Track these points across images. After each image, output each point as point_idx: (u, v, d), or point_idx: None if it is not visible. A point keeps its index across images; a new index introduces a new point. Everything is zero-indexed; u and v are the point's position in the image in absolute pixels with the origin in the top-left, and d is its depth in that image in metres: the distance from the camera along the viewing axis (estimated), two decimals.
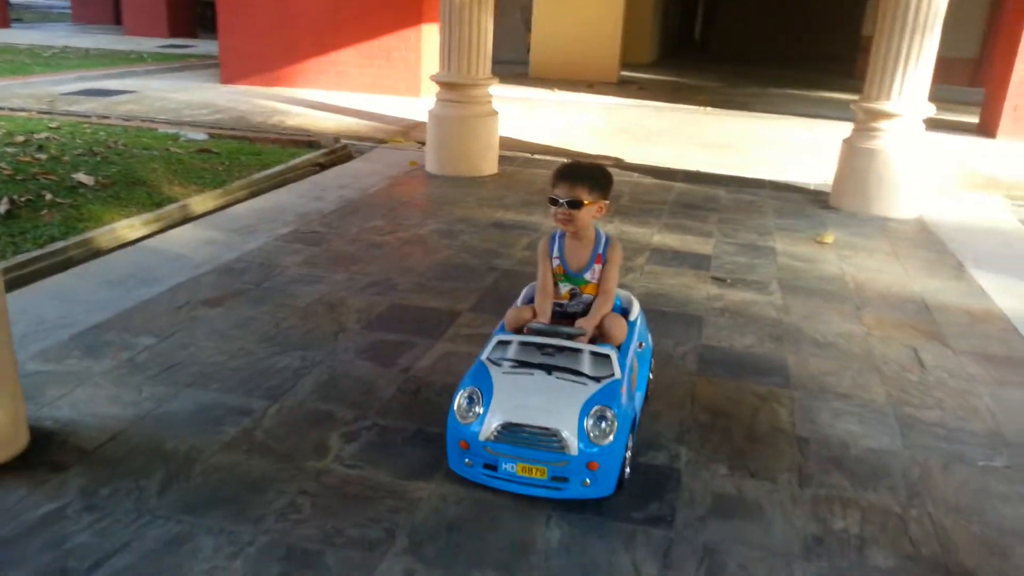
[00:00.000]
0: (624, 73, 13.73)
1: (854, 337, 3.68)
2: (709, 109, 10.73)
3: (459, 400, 2.36)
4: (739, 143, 8.55)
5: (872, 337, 3.69)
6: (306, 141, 7.67)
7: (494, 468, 2.31)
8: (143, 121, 8.23)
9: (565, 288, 2.71)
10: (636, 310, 2.81)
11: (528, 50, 13.79)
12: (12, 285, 3.76)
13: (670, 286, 4.20)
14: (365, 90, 10.37)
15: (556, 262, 2.69)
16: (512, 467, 2.28)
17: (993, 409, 3.07)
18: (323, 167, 6.88)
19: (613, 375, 2.37)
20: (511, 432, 2.27)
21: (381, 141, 7.79)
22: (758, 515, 2.36)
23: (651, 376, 2.93)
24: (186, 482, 2.39)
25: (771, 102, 11.84)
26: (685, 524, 2.30)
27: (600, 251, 2.68)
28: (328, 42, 10.24)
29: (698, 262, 4.62)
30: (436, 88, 6.52)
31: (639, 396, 2.64)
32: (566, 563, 2.12)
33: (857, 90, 6.40)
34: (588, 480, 2.25)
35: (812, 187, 6.58)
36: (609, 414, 2.27)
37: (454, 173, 6.41)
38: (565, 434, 2.23)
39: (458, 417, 2.34)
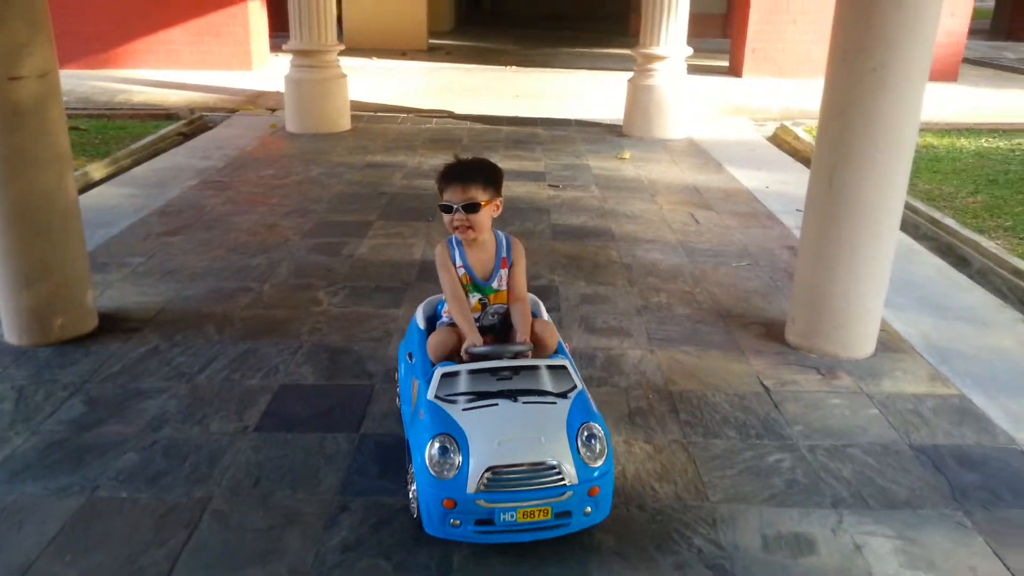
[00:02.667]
0: (432, 41, 14.92)
1: (651, 211, 5.25)
2: (515, 68, 12.23)
3: (429, 453, 2.00)
4: (544, 93, 10.09)
5: (663, 210, 5.28)
6: (164, 114, 8.28)
7: (489, 522, 1.97)
8: None
9: (474, 299, 2.42)
10: (543, 309, 2.60)
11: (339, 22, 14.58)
12: None
13: (520, 193, 5.58)
14: (197, 67, 10.87)
15: (462, 271, 2.41)
16: (511, 516, 1.96)
17: (742, 239, 4.72)
18: (187, 136, 7.60)
19: (575, 386, 2.17)
20: (503, 476, 1.96)
21: (232, 110, 8.55)
22: (609, 300, 3.80)
23: None
24: (232, 326, 3.45)
25: (563, 59, 13.55)
26: (567, 309, 3.68)
27: (504, 254, 2.44)
28: (157, 21, 10.63)
29: (535, 177, 6.04)
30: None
31: None
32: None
33: (630, 45, 8.06)
34: (589, 508, 2.04)
35: (607, 122, 8.21)
36: (596, 430, 2.07)
37: (315, 131, 7.40)
38: (563, 464, 1.99)
39: (433, 473, 1.98)
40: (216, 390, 2.91)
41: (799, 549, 2.16)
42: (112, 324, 3.44)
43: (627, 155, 6.80)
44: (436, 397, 2.11)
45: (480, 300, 2.44)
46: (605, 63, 13.00)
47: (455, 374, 2.14)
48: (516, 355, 2.22)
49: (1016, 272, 4.31)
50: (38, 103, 3.05)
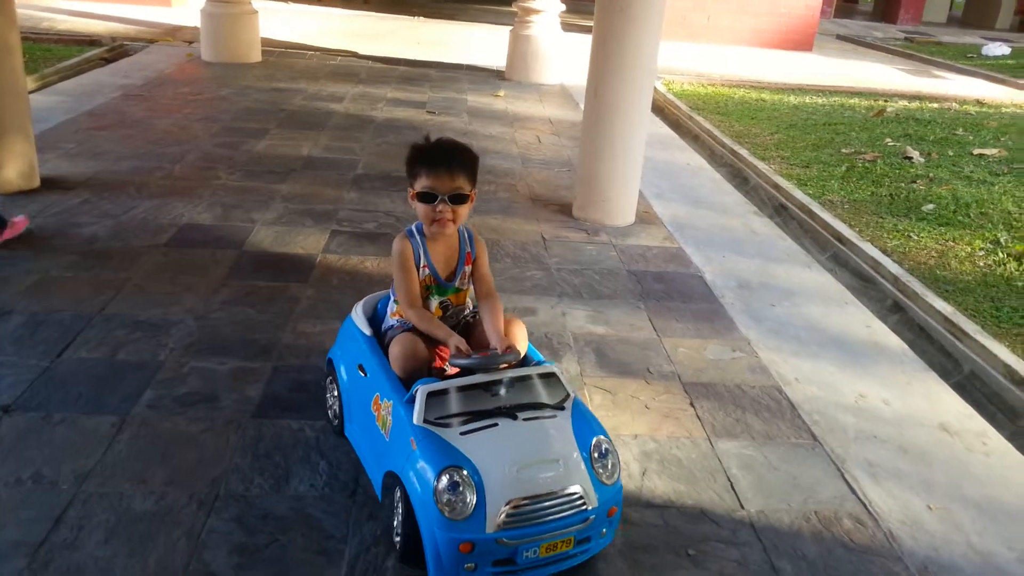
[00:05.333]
0: None
1: (507, 133, 6.39)
2: (422, 18, 13.16)
3: (438, 491, 1.72)
4: (445, 42, 11.09)
5: (516, 133, 6.43)
6: (87, 41, 8.97)
7: (510, 561, 1.75)
8: None
9: (436, 302, 2.19)
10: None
11: None
12: None
13: (401, 116, 6.65)
14: (118, 1, 11.44)
15: (425, 271, 2.16)
16: (534, 552, 1.75)
17: (570, 155, 5.90)
18: (108, 61, 8.35)
19: (568, 395, 1.97)
20: (524, 509, 1.73)
21: (152, 40, 9.29)
22: None
23: None
24: (149, 189, 4.43)
25: (469, 14, 14.53)
26: None
27: (468, 248, 2.22)
28: None
29: (418, 105, 7.10)
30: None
31: None
32: None
33: None
34: (604, 529, 1.87)
35: (494, 68, 9.29)
36: (607, 444, 1.88)
37: (228, 60, 8.26)
38: (584, 488, 1.79)
39: (445, 514, 1.71)
40: (135, 225, 3.92)
41: (528, 313, 3.35)
42: (52, 185, 4.38)
43: (502, 94, 7.91)
44: (426, 421, 1.82)
45: (441, 303, 2.19)
46: (505, 19, 14.02)
47: (442, 392, 1.85)
48: (501, 365, 1.93)
49: (774, 185, 5.63)
50: None
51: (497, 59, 9.63)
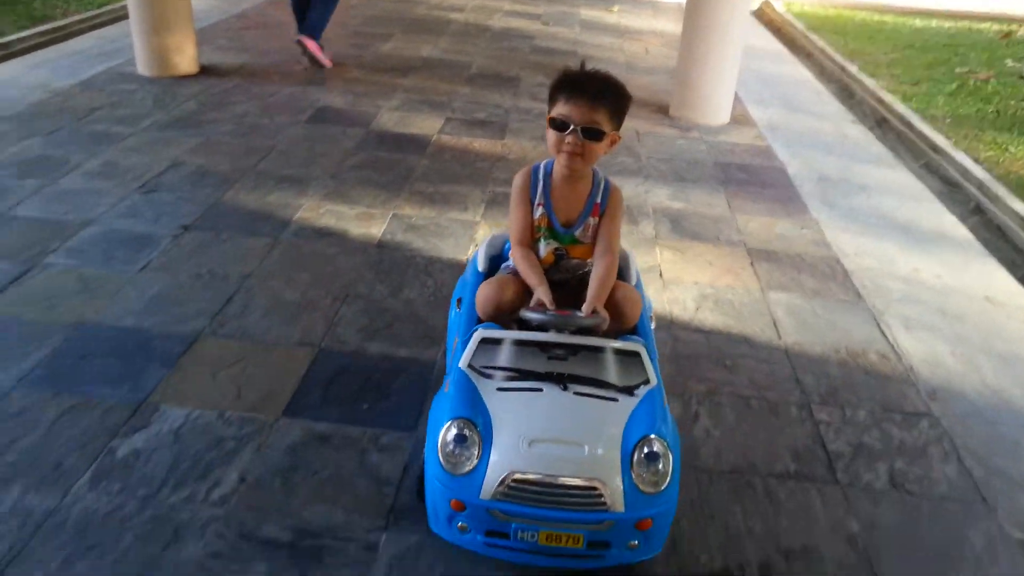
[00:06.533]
0: None
1: (615, 44, 6.65)
2: None
3: (443, 437, 1.60)
4: None
5: (624, 44, 6.67)
6: None
7: (504, 535, 1.58)
8: None
9: (547, 248, 2.00)
10: (635, 271, 2.11)
11: None
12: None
13: (515, 25, 7.00)
14: None
15: (540, 210, 1.98)
16: (532, 535, 1.57)
17: (674, 64, 6.13)
18: None
19: (647, 381, 1.70)
20: (527, 489, 1.55)
21: None
22: None
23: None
24: (290, 79, 5.01)
25: None
26: (524, 88, 5.19)
27: (598, 199, 1.99)
28: None
29: (532, 17, 7.43)
30: None
31: None
32: None
33: None
34: (636, 541, 1.59)
35: None
36: (659, 446, 1.58)
37: None
38: (605, 488, 1.54)
39: (444, 463, 1.58)
40: (280, 105, 4.51)
41: None
42: (209, 72, 5.03)
43: (616, 9, 8.11)
44: (470, 366, 1.70)
45: (556, 250, 1.98)
46: None
47: (497, 341, 1.73)
48: (581, 329, 1.75)
49: (877, 99, 5.70)
50: None
51: None
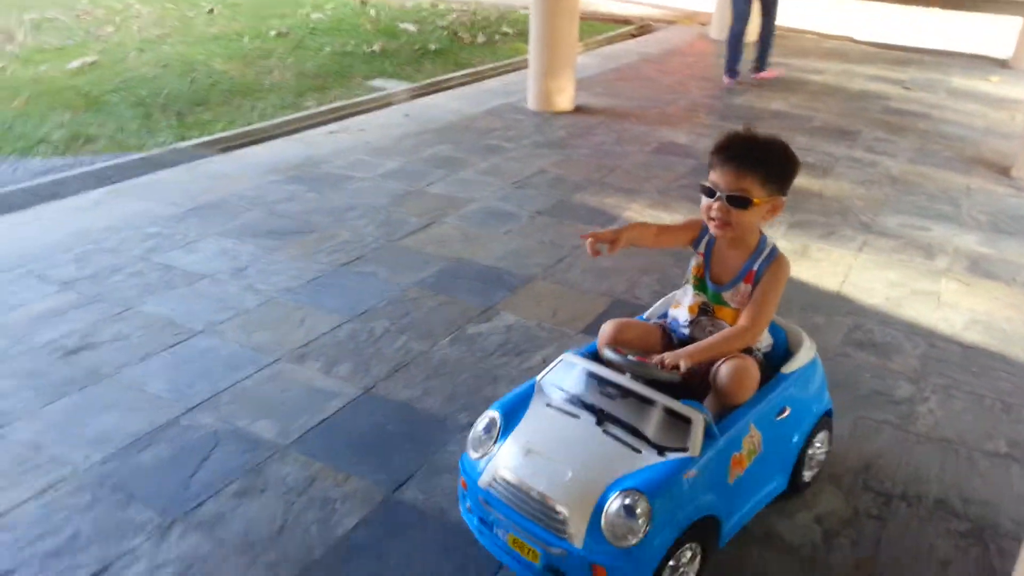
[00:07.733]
0: None
1: (979, 110, 6.51)
2: (936, 8, 12.88)
3: (476, 424, 1.80)
4: (945, 29, 10.86)
5: (991, 111, 6.49)
6: (622, 20, 11.06)
7: (489, 527, 1.73)
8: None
9: (695, 299, 1.97)
10: (804, 357, 1.98)
11: None
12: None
13: (872, 88, 7.17)
14: None
15: (699, 259, 1.97)
16: (504, 533, 1.68)
17: None
18: (635, 36, 10.23)
19: (685, 450, 1.65)
20: (508, 490, 1.67)
21: (672, 22, 11.01)
22: (894, 144, 5.47)
23: (818, 455, 2.09)
24: (645, 120, 5.87)
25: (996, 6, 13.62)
26: (864, 148, 5.45)
27: (755, 266, 1.89)
28: None
29: (894, 83, 7.50)
30: None
31: (751, 484, 1.83)
32: None
33: None
34: None
35: (999, 57, 9.00)
36: (643, 506, 1.54)
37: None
38: (569, 515, 1.58)
39: (470, 443, 1.79)
40: (632, 137, 5.38)
41: (921, 229, 3.94)
42: (581, 110, 6.09)
43: (996, 79, 7.80)
44: (541, 382, 1.85)
45: (702, 304, 1.96)
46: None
47: (574, 366, 1.83)
48: (655, 381, 1.75)
49: None
50: None
51: (1006, 49, 9.29)
